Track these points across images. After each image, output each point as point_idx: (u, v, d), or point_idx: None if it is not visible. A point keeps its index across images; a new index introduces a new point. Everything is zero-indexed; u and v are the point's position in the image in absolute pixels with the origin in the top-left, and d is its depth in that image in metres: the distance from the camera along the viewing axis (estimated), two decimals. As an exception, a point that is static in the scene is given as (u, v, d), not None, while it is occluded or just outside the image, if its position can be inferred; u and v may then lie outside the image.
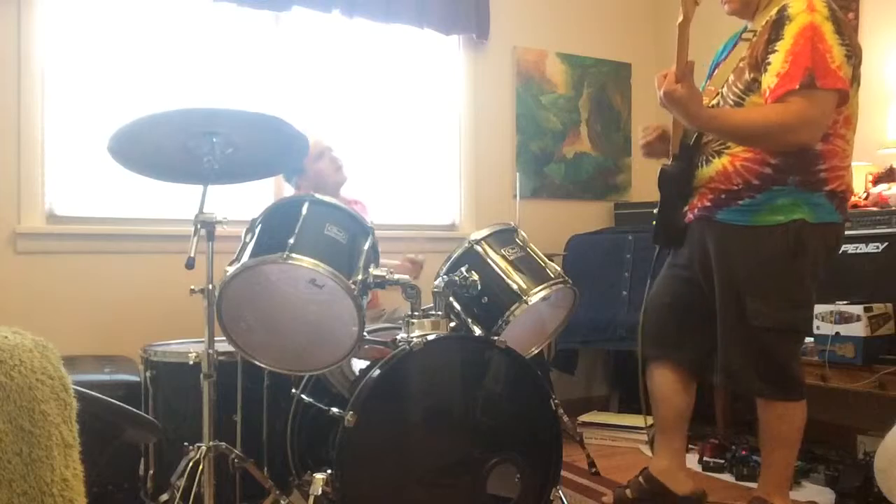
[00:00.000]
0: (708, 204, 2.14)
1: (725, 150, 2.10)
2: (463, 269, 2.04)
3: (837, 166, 2.02)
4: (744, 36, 2.14)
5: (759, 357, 2.09)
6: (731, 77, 2.10)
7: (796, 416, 2.12)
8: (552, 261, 2.17)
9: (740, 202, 2.07)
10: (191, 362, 2.19)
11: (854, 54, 1.96)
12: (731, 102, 2.09)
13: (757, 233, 2.05)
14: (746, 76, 2.04)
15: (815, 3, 1.92)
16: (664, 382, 2.32)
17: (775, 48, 1.94)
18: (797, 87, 1.89)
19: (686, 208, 2.23)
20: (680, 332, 2.28)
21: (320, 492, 1.73)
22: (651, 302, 2.37)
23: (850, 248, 2.65)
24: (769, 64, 1.95)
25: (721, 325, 2.16)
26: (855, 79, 1.99)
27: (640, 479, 2.34)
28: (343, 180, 2.88)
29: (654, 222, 2.31)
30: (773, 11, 1.99)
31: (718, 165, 2.10)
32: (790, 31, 1.92)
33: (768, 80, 1.95)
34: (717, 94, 2.17)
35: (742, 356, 2.12)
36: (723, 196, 2.10)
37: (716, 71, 2.26)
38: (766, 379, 2.09)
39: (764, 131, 1.97)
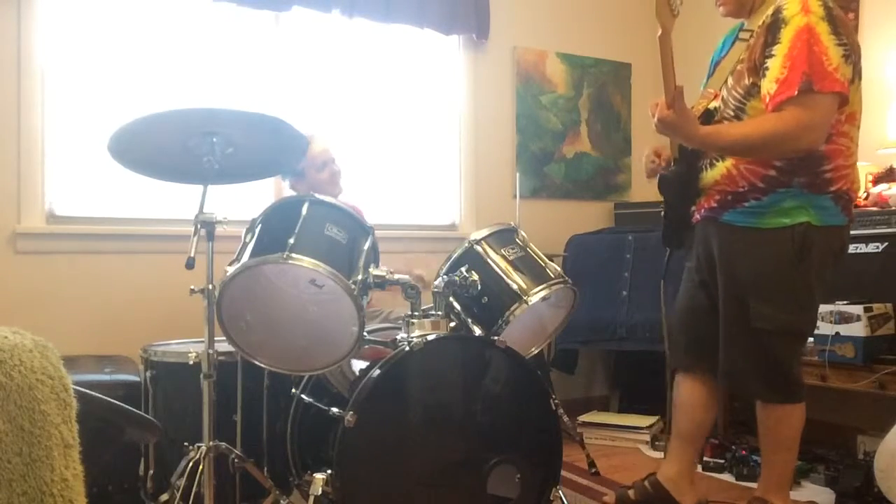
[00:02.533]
0: (714, 205, 2.14)
1: None
2: (463, 269, 2.03)
3: (842, 165, 2.01)
4: (741, 36, 2.12)
5: (760, 360, 2.08)
6: (731, 80, 2.09)
7: (795, 419, 2.12)
8: (552, 261, 2.17)
9: (746, 204, 2.06)
10: (191, 362, 2.19)
11: (853, 52, 1.94)
12: (731, 107, 2.08)
13: (762, 235, 2.04)
14: (745, 81, 2.02)
15: (809, 4, 1.90)
16: (691, 394, 2.30)
17: (772, 52, 1.93)
18: (795, 93, 1.87)
19: (693, 209, 2.23)
20: (702, 339, 2.25)
21: (320, 492, 1.73)
22: (675, 311, 2.37)
23: (850, 247, 2.64)
24: (767, 69, 1.94)
25: (723, 326, 2.15)
26: (856, 74, 1.97)
27: (646, 483, 2.33)
28: (338, 193, 2.86)
29: (663, 224, 2.30)
30: (769, 13, 1.97)
31: (722, 169, 2.10)
32: (786, 35, 1.91)
33: (767, 85, 1.94)
34: (717, 96, 2.15)
35: (744, 358, 2.11)
36: (729, 197, 2.09)
37: (715, 70, 2.25)
38: (766, 382, 2.09)
39: (762, 143, 1.95)
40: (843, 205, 2.03)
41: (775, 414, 2.12)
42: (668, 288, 2.50)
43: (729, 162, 2.08)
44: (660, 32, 1.89)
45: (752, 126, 2.00)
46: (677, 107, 1.92)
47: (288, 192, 2.99)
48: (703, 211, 2.19)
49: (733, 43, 2.19)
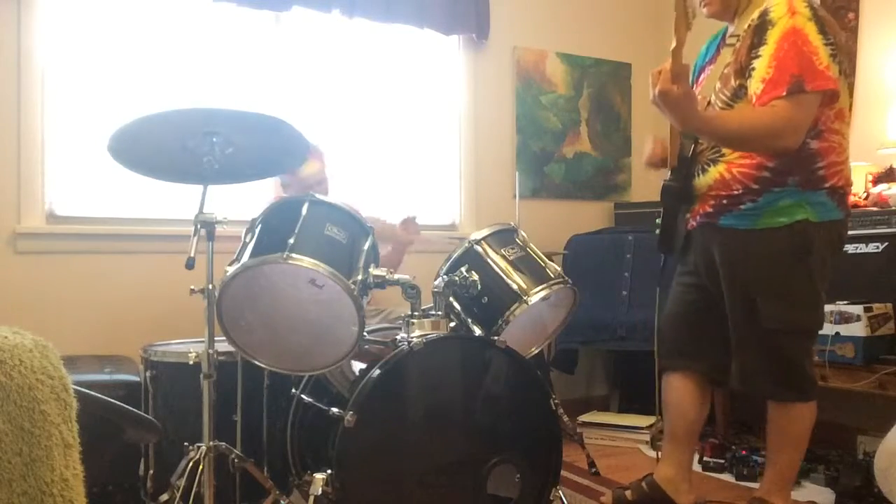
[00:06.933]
0: (710, 210, 2.13)
1: (720, 159, 2.09)
2: (463, 269, 2.04)
3: (835, 162, 2.01)
4: (728, 41, 2.12)
5: (774, 360, 2.08)
6: (718, 84, 2.09)
7: (807, 417, 2.12)
8: (552, 261, 2.17)
9: (742, 206, 2.06)
10: (191, 362, 2.19)
11: (839, 51, 1.95)
12: (719, 109, 2.08)
13: (762, 236, 2.04)
14: (732, 83, 2.03)
15: (795, 5, 1.91)
16: (680, 393, 2.30)
17: (759, 53, 1.94)
18: (784, 93, 1.88)
19: (688, 215, 2.22)
20: (695, 340, 2.26)
21: (320, 492, 1.73)
22: (665, 313, 2.37)
23: (850, 248, 2.65)
24: (753, 69, 1.95)
25: (733, 329, 2.15)
26: (841, 73, 1.98)
27: (643, 483, 2.33)
28: None
29: (658, 231, 2.30)
30: (755, 15, 1.98)
31: (715, 174, 2.10)
32: (773, 36, 1.91)
33: (754, 86, 1.94)
34: (707, 102, 2.15)
35: (757, 360, 2.10)
36: (724, 201, 2.09)
37: (701, 76, 2.25)
38: (781, 381, 2.09)
39: (753, 134, 1.95)
40: (838, 199, 2.04)
41: (789, 413, 2.12)
42: (663, 293, 2.50)
43: (721, 166, 2.08)
44: (674, 45, 1.87)
45: (748, 116, 1.98)
46: (683, 83, 1.88)
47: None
48: (698, 217, 2.18)
49: (717, 48, 2.19)
